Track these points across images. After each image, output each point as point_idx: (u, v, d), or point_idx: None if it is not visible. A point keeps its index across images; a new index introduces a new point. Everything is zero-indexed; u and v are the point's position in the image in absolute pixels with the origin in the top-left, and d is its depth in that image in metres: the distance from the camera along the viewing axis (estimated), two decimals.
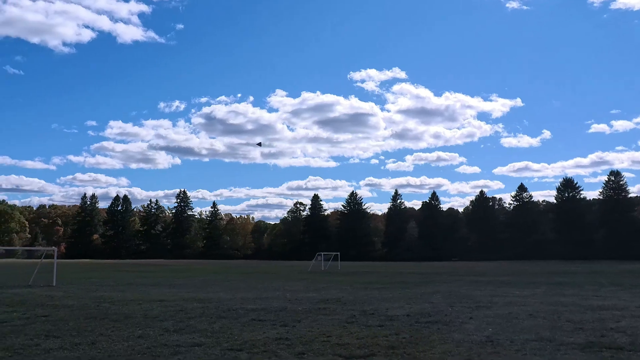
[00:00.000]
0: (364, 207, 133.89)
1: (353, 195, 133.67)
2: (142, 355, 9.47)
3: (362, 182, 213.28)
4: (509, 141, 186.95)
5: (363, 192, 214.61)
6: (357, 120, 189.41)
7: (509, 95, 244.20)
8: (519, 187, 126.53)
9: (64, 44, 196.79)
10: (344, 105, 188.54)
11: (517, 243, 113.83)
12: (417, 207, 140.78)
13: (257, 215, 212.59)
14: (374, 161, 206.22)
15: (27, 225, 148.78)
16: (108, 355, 9.51)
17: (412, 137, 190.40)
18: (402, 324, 13.56)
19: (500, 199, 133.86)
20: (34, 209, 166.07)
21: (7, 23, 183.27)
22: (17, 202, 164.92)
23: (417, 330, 12.41)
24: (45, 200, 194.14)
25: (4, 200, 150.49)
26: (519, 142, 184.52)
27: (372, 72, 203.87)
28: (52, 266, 30.39)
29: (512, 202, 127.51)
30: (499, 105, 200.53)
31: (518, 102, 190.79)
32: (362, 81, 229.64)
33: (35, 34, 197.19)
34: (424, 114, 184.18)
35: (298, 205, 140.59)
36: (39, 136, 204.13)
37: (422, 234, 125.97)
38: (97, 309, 16.62)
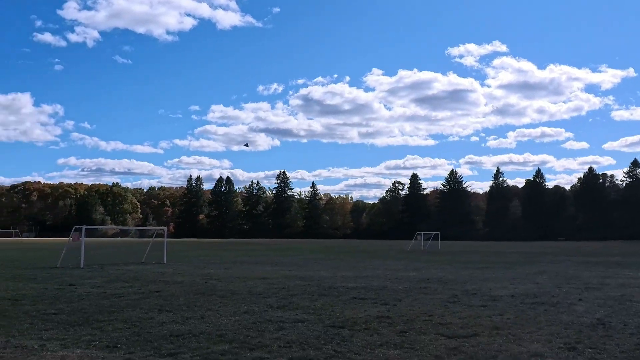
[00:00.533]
0: (464, 185, 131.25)
1: (453, 173, 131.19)
2: (248, 330, 9.81)
3: (462, 160, 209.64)
4: (620, 114, 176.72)
5: (463, 170, 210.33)
6: (456, 97, 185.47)
7: (620, 66, 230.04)
8: (632, 163, 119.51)
9: (168, 32, 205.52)
10: (442, 82, 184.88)
11: (630, 222, 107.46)
12: (520, 185, 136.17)
13: (355, 194, 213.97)
14: (474, 138, 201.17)
15: (139, 206, 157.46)
16: (216, 329, 9.93)
17: (514, 113, 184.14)
18: (507, 304, 13.23)
19: (611, 176, 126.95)
20: (145, 190, 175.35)
21: (115, 15, 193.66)
22: (129, 185, 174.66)
23: (522, 311, 12.06)
24: (154, 183, 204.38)
25: (118, 183, 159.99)
26: (631, 114, 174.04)
27: (471, 46, 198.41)
28: (162, 245, 32.02)
29: (624, 178, 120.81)
30: (609, 77, 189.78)
31: (630, 72, 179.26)
32: (461, 56, 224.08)
33: (141, 24, 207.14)
34: (526, 88, 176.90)
35: (397, 185, 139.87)
36: (147, 122, 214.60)
37: (525, 212, 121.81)
38: (205, 286, 17.37)
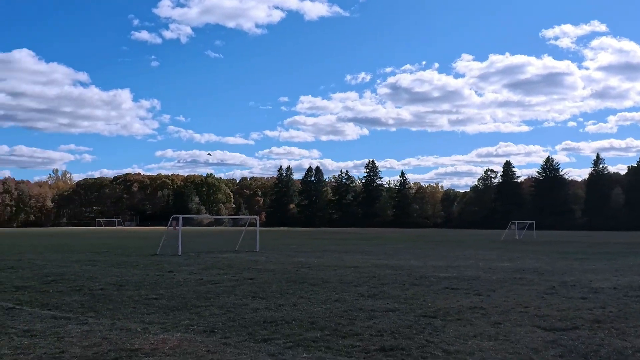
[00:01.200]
0: (561, 172, 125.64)
1: (549, 160, 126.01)
2: (339, 318, 9.88)
3: (558, 147, 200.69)
4: None
5: (559, 157, 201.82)
6: (551, 81, 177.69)
7: None
8: None
9: (257, 25, 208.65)
10: (536, 66, 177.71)
11: None
12: (622, 172, 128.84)
13: (445, 183, 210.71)
14: (572, 124, 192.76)
15: (232, 196, 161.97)
16: (308, 316, 10.07)
17: (615, 96, 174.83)
18: (609, 297, 12.61)
19: None
20: (237, 181, 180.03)
21: (207, 11, 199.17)
22: (222, 175, 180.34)
23: (626, 305, 11.46)
24: (246, 173, 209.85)
25: (212, 174, 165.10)
26: None
27: (567, 27, 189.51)
28: (255, 233, 32.79)
29: None
30: None
31: None
32: (556, 38, 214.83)
33: (231, 18, 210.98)
34: (629, 69, 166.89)
35: (489, 173, 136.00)
36: (238, 114, 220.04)
37: (629, 200, 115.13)
38: (297, 274, 17.65)
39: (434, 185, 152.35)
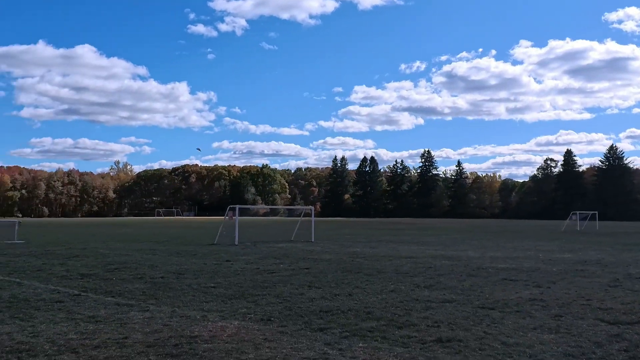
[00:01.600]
0: (626, 161, 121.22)
1: (612, 148, 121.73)
2: (395, 308, 9.84)
3: (622, 135, 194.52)
4: None
5: (624, 145, 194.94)
6: (614, 66, 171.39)
7: None
8: None
9: (310, 16, 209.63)
10: (599, 51, 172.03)
11: None
12: None
13: (503, 173, 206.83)
14: (636, 110, 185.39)
15: (287, 186, 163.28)
16: (364, 306, 10.07)
17: None
18: None
19: None
20: (292, 171, 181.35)
21: (261, 3, 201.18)
22: (277, 166, 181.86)
23: None
24: (301, 164, 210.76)
25: (267, 165, 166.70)
26: None
27: (632, 10, 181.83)
28: (310, 223, 32.99)
29: None
30: None
31: None
32: (620, 22, 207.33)
33: (285, 10, 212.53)
34: None
35: (549, 162, 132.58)
36: (293, 105, 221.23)
37: None
38: (352, 264, 17.66)
39: (492, 175, 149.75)
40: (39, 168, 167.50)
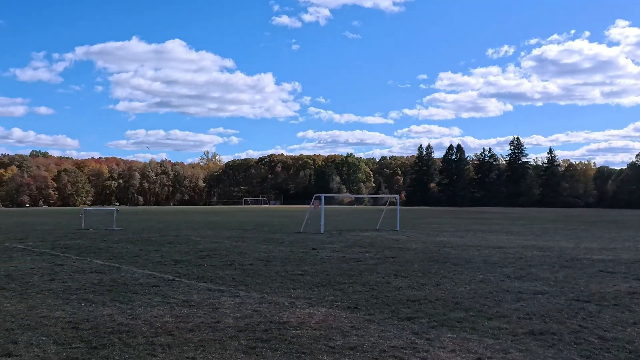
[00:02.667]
0: None
1: None
2: (484, 299, 9.63)
3: None
4: None
5: None
6: None
7: None
8: None
9: (394, 3, 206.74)
10: None
11: None
12: None
13: (598, 160, 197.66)
14: None
15: (372, 175, 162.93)
16: (452, 296, 9.92)
17: None
18: None
19: None
20: (377, 160, 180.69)
21: None
22: (362, 155, 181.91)
23: None
24: (385, 152, 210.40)
25: (351, 154, 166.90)
26: None
27: None
28: (395, 212, 32.80)
29: None
30: None
31: None
32: None
33: None
34: None
35: None
36: (377, 93, 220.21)
37: None
38: (439, 253, 17.43)
39: (586, 163, 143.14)
40: (133, 159, 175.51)
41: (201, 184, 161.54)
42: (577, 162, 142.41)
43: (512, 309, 8.83)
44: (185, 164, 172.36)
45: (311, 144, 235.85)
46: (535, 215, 57.24)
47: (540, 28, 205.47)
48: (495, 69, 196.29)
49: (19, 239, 23.07)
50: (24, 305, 9.05)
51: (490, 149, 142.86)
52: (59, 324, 7.78)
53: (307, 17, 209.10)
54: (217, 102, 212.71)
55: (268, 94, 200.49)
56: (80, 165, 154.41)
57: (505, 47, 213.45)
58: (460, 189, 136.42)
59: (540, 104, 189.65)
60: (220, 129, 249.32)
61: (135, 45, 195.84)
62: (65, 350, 6.56)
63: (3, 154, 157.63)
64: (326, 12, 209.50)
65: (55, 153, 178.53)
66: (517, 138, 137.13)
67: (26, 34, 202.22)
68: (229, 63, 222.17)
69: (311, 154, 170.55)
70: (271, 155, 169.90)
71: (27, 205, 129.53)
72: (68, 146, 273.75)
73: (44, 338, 7.06)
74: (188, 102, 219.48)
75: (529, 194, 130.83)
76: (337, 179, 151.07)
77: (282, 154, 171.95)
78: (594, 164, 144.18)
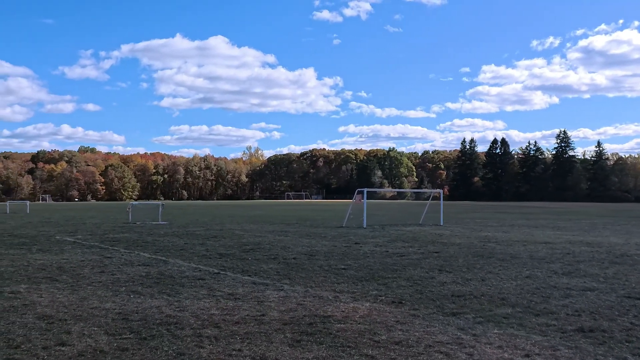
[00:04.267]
0: None
1: None
2: (532, 295, 9.47)
3: None
4: None
5: None
6: None
7: None
8: None
9: None
10: None
11: None
12: None
13: None
14: None
15: (414, 169, 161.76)
16: (498, 292, 9.78)
17: None
18: None
19: None
20: (419, 154, 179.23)
21: None
22: (404, 149, 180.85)
23: None
24: (427, 146, 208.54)
25: (393, 148, 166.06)
26: None
27: None
28: (438, 207, 32.50)
29: None
30: None
31: None
32: None
33: None
34: None
35: None
36: (419, 87, 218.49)
37: None
38: (483, 248, 17.20)
39: (636, 156, 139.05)
40: (178, 154, 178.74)
41: (244, 178, 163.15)
42: (626, 156, 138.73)
43: (561, 306, 8.66)
44: (228, 159, 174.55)
45: (352, 139, 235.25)
46: (583, 210, 55.94)
47: (587, 18, 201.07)
48: (540, 61, 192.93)
49: (69, 233, 23.75)
50: (76, 297, 9.32)
51: (535, 142, 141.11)
52: (109, 315, 7.98)
53: (348, 12, 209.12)
54: (259, 97, 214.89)
55: (310, 88, 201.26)
56: (126, 160, 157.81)
57: (551, 39, 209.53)
58: (504, 183, 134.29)
59: (587, 96, 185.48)
60: (263, 124, 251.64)
61: (179, 42, 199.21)
62: (116, 340, 6.73)
63: (53, 149, 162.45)
64: (367, 6, 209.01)
65: (103, 149, 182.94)
66: (564, 131, 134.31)
67: (74, 33, 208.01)
68: (271, 58, 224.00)
69: (353, 149, 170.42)
70: (313, 149, 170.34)
71: (76, 199, 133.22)
72: (115, 142, 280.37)
73: (95, 328, 7.26)
74: (231, 98, 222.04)
75: (576, 188, 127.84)
76: (379, 173, 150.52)
77: (324, 149, 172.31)
78: None
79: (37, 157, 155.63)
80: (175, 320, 7.67)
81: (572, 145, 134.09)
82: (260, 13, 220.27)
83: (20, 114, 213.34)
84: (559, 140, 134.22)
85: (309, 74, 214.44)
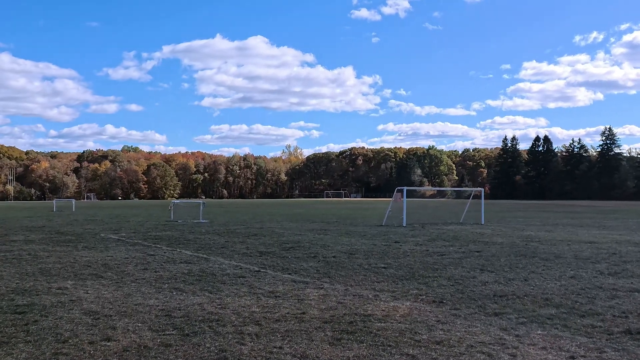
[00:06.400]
0: None
1: None
2: (576, 296, 9.28)
3: None
4: None
5: None
6: None
7: None
8: None
9: None
10: None
11: None
12: None
13: None
14: None
15: (454, 167, 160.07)
16: (542, 292, 9.61)
17: None
18: None
19: None
20: (459, 152, 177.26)
21: None
22: (444, 147, 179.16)
23: None
24: (468, 144, 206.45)
25: (433, 146, 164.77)
26: None
27: None
28: (479, 205, 32.09)
29: None
30: None
31: None
32: None
33: None
34: None
35: None
36: (459, 84, 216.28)
37: None
38: (526, 248, 16.91)
39: None
40: (218, 153, 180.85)
41: (283, 177, 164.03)
42: None
43: (607, 307, 8.45)
44: (268, 157, 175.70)
45: (391, 137, 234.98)
46: (630, 209, 54.46)
47: (632, 12, 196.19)
48: (583, 57, 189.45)
49: (113, 230, 24.27)
50: (120, 293, 9.52)
51: (579, 139, 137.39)
52: (152, 312, 8.13)
53: (386, 10, 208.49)
54: (298, 96, 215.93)
55: (349, 87, 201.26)
56: (168, 159, 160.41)
57: (594, 34, 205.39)
58: (548, 182, 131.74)
59: (633, 92, 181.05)
60: (302, 123, 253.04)
61: (219, 42, 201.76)
62: (160, 336, 6.85)
63: (97, 149, 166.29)
64: (406, 4, 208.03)
65: (145, 148, 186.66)
66: (609, 128, 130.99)
67: (117, 35, 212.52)
68: (310, 58, 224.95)
69: (392, 147, 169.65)
70: (352, 148, 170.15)
71: (120, 197, 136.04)
72: (157, 141, 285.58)
73: (139, 324, 7.40)
74: (270, 97, 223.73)
75: (623, 186, 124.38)
76: (419, 171, 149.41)
77: (363, 147, 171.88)
78: None
79: (82, 157, 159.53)
80: (216, 317, 7.77)
81: (618, 142, 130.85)
82: (299, 12, 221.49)
83: (67, 115, 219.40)
84: (604, 138, 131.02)
85: (348, 72, 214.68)
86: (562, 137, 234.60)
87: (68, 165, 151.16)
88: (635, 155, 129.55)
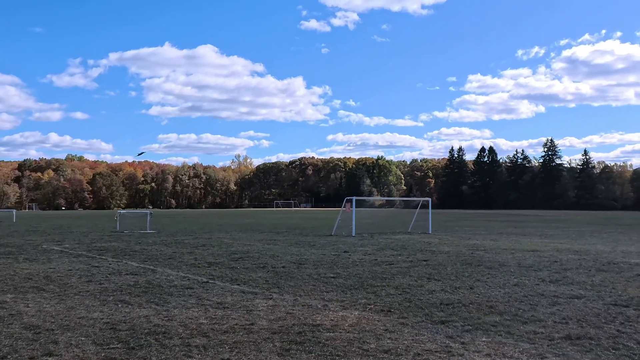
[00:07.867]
0: None
1: None
2: (519, 303, 9.52)
3: None
4: None
5: None
6: None
7: None
8: None
9: (423, 6, 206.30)
10: None
11: None
12: None
13: (635, 161, 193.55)
14: None
15: (403, 178, 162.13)
16: (486, 300, 9.82)
17: None
18: None
19: None
20: (407, 163, 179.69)
21: None
22: (392, 158, 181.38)
23: None
24: (415, 155, 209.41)
25: (382, 156, 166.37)
26: None
27: None
28: (427, 215, 32.59)
29: None
30: None
31: None
32: None
33: (397, 2, 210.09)
34: None
35: None
36: (407, 96, 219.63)
37: None
38: (472, 256, 17.26)
39: (622, 164, 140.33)
40: (166, 162, 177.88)
41: (232, 187, 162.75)
42: (612, 164, 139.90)
43: (548, 313, 8.71)
44: (217, 167, 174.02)
45: (341, 147, 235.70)
46: (570, 218, 56.31)
47: (571, 29, 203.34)
48: (525, 71, 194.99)
49: (56, 241, 23.58)
50: (63, 306, 9.26)
51: (523, 150, 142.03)
52: (97, 325, 7.93)
53: (336, 22, 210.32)
54: (248, 106, 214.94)
55: (298, 97, 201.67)
56: (114, 169, 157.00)
57: (536, 48, 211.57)
58: (493, 191, 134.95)
59: (573, 105, 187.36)
60: (251, 133, 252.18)
61: (168, 50, 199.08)
62: (104, 350, 6.69)
63: (40, 158, 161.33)
64: (355, 17, 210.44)
65: (91, 157, 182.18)
66: (551, 140, 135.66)
67: (62, 41, 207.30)
68: (260, 67, 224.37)
69: (341, 157, 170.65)
70: (302, 158, 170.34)
71: (63, 207, 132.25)
72: (103, 150, 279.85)
73: (83, 338, 7.21)
74: (219, 107, 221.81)
75: (564, 196, 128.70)
76: (368, 181, 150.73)
77: (313, 157, 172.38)
78: (630, 165, 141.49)
79: (24, 166, 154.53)
80: (163, 330, 7.64)
81: (559, 153, 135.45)
82: (249, 22, 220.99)
83: (8, 122, 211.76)
84: (546, 149, 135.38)
85: (298, 82, 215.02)
86: (506, 148, 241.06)
87: (9, 175, 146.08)
88: (575, 167, 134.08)
